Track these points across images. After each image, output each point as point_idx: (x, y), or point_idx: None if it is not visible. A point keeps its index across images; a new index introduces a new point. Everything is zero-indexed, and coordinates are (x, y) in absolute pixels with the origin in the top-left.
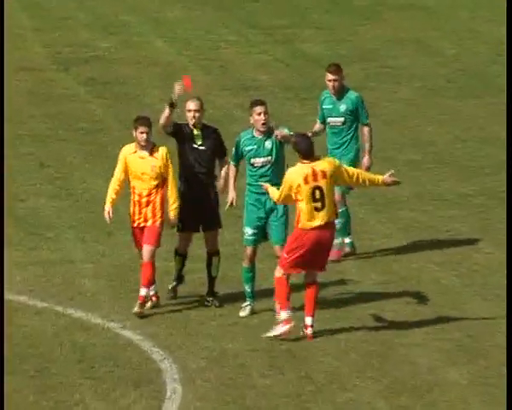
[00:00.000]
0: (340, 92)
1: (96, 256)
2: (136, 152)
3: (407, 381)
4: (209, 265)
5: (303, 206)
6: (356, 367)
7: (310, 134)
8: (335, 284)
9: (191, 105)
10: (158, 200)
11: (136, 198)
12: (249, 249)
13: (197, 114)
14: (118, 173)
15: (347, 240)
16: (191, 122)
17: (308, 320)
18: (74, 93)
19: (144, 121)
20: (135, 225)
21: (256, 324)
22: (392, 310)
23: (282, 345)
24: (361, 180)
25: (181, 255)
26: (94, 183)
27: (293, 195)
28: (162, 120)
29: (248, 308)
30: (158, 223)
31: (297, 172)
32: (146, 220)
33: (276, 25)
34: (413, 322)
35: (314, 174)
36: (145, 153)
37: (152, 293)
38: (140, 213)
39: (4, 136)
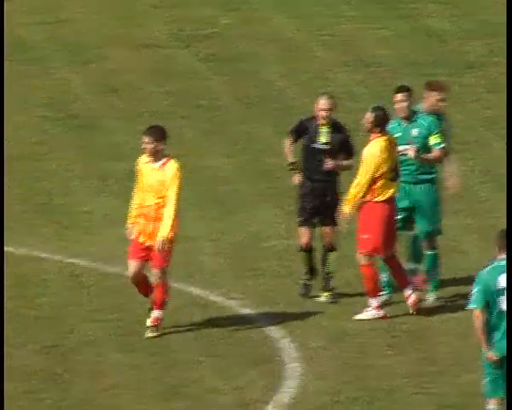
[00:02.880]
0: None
1: (216, 234)
2: (149, 162)
3: None
4: (324, 260)
5: (382, 178)
6: (478, 348)
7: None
8: (452, 260)
9: (322, 103)
10: None
11: (145, 211)
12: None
13: (327, 113)
14: (138, 184)
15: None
16: (320, 121)
17: (407, 292)
18: (194, 70)
19: (149, 132)
20: (136, 237)
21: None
22: None
23: (402, 324)
24: None
25: (306, 251)
26: (213, 160)
27: (375, 172)
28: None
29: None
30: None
31: (377, 147)
32: (151, 238)
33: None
34: None
35: (392, 145)
36: (156, 165)
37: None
38: (146, 229)
39: (122, 114)
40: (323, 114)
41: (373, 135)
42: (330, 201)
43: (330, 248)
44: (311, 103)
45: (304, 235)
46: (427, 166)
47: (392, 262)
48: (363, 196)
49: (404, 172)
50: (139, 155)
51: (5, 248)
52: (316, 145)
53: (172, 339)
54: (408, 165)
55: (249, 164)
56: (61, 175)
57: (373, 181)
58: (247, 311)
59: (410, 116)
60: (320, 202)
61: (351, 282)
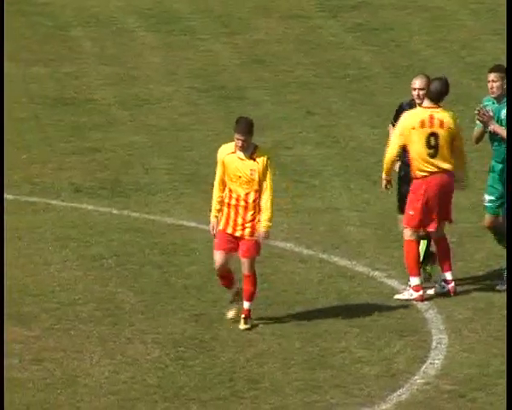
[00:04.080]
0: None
1: (362, 204)
2: (234, 153)
3: None
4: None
5: (417, 151)
6: None
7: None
8: None
9: (416, 83)
10: (257, 207)
11: (234, 202)
12: (486, 217)
13: (421, 92)
14: (218, 176)
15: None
16: (417, 101)
17: (448, 275)
18: (341, 40)
19: (241, 128)
20: (223, 228)
21: None
22: None
23: None
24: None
25: (423, 238)
26: (360, 131)
27: (402, 139)
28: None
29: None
30: (256, 234)
31: (414, 115)
32: (243, 229)
33: None
34: None
35: (431, 120)
36: (244, 155)
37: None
38: (236, 219)
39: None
40: (419, 93)
41: (425, 104)
42: None
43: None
44: (457, 73)
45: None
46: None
47: (438, 243)
48: (392, 166)
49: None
50: (286, 126)
51: (153, 217)
52: None
53: (318, 309)
54: (498, 145)
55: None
56: (208, 145)
57: (411, 155)
58: (392, 282)
59: (502, 97)
60: None
61: (499, 254)
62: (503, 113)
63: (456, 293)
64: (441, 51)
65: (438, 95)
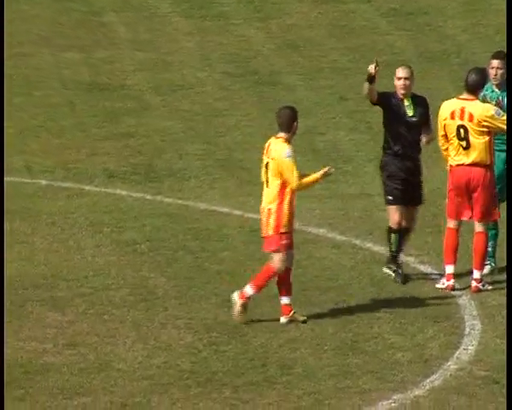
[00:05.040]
0: None
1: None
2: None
3: None
4: (401, 239)
5: (452, 141)
6: None
7: None
8: None
9: (401, 72)
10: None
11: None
12: None
13: (407, 82)
14: None
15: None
16: (400, 91)
17: (475, 274)
18: (375, 25)
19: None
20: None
21: None
22: None
23: None
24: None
25: (395, 232)
26: None
27: (442, 127)
28: (364, 92)
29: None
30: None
31: (447, 106)
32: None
33: None
34: None
35: (461, 112)
36: None
37: None
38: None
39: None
40: (405, 83)
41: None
42: (418, 179)
43: (410, 230)
44: None
45: (393, 213)
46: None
47: (475, 239)
48: (447, 155)
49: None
50: (319, 111)
51: (186, 203)
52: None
53: (351, 295)
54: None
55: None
56: (241, 130)
57: (448, 145)
58: (426, 268)
59: (504, 84)
60: (409, 181)
61: None
62: (506, 100)
63: (477, 290)
64: (476, 36)
65: (474, 86)
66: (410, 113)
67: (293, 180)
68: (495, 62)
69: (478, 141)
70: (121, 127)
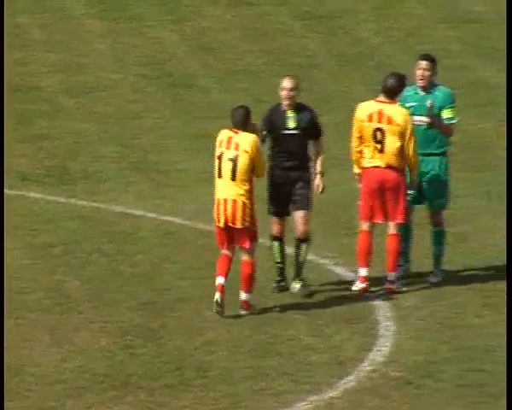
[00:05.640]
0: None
1: None
2: None
3: None
4: (298, 250)
5: (367, 143)
6: None
7: None
8: None
9: (286, 83)
10: None
11: None
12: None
13: (292, 93)
14: None
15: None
16: (285, 102)
17: (388, 276)
18: (289, 28)
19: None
20: None
21: (472, 263)
22: None
23: (497, 285)
24: (407, 159)
25: (276, 240)
26: None
27: (358, 128)
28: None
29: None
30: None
31: (364, 108)
32: None
33: None
34: None
35: (379, 115)
36: None
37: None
38: None
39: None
40: (290, 93)
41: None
42: (300, 187)
43: (303, 239)
44: (405, 61)
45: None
46: (438, 139)
47: (387, 240)
48: (359, 159)
49: (419, 144)
50: None
51: (101, 206)
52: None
53: (267, 297)
54: (422, 136)
55: (343, 122)
56: (156, 133)
57: (362, 147)
58: (340, 269)
59: (429, 87)
60: (291, 191)
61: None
62: (430, 102)
63: (391, 292)
64: (388, 39)
65: (392, 90)
66: (292, 124)
67: (264, 171)
68: (423, 63)
69: (393, 145)
70: (34, 129)
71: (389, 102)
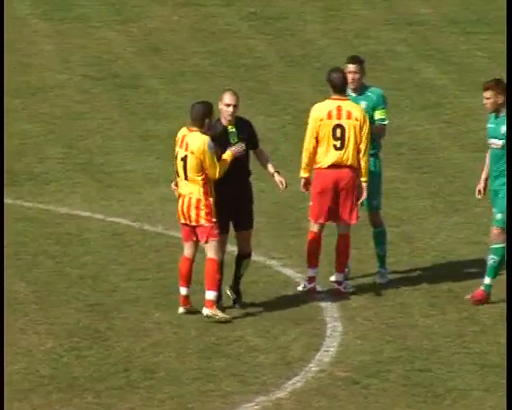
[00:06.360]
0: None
1: (257, 193)
2: None
3: None
4: (238, 265)
5: (323, 142)
6: None
7: None
8: None
9: (230, 99)
10: None
11: None
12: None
13: (235, 110)
14: None
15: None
16: (227, 118)
17: (337, 276)
18: (236, 29)
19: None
20: None
21: (418, 264)
22: None
23: (443, 285)
24: (359, 158)
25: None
26: (255, 119)
27: (315, 128)
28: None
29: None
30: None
31: (322, 107)
32: None
33: None
34: None
35: (338, 111)
36: None
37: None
38: None
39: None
40: (234, 110)
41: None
42: (244, 204)
43: (245, 255)
44: None
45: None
46: (371, 140)
47: (338, 240)
48: (312, 162)
49: None
50: (182, 115)
51: (47, 207)
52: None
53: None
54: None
55: (291, 123)
56: (102, 134)
57: (317, 147)
58: (288, 271)
59: (360, 89)
60: (234, 207)
61: (393, 242)
62: (363, 103)
63: (339, 292)
64: (335, 41)
65: (342, 86)
66: (234, 140)
67: (216, 172)
68: (351, 67)
69: (352, 140)
70: None
71: (345, 99)
